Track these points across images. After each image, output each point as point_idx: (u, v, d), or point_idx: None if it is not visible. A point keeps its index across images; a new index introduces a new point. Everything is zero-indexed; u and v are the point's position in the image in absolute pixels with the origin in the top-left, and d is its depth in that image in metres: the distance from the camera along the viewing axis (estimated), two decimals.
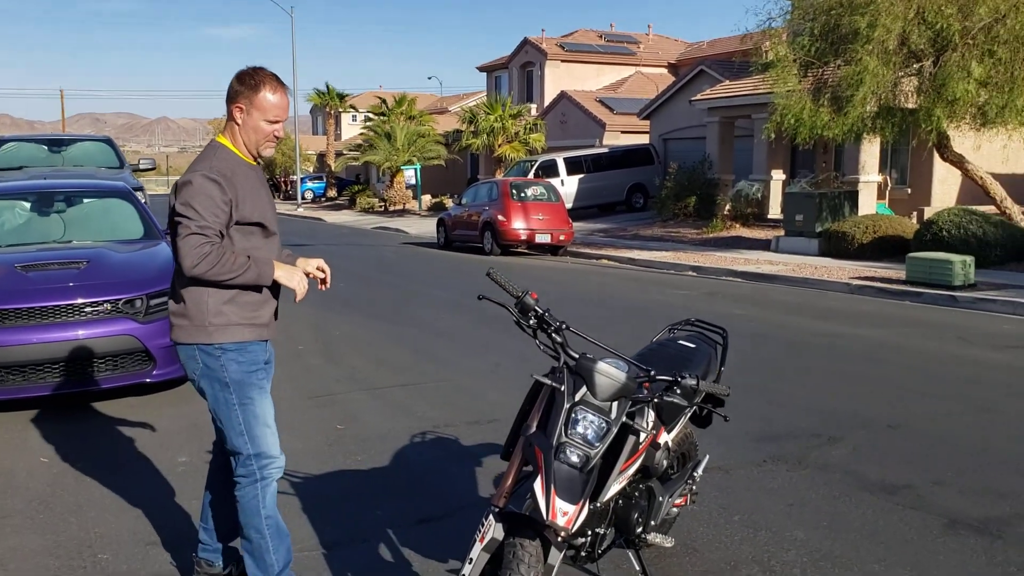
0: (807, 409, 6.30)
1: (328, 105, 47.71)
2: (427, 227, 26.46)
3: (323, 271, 3.59)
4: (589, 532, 3.16)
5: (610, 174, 28.37)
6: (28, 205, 7.79)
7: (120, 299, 6.38)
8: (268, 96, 3.30)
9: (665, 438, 3.51)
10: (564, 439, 2.88)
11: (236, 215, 3.26)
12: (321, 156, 54.14)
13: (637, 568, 3.52)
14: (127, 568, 3.87)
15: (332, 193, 47.58)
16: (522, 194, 19.22)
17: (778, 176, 22.97)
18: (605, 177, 28.30)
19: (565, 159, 28.00)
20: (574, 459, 2.86)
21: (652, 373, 3.04)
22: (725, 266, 15.74)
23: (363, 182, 44.91)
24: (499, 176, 27.55)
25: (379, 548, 4.04)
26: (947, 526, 4.25)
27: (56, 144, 13.19)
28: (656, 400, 3.07)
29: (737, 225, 21.60)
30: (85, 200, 8.13)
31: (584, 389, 2.96)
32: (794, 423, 5.96)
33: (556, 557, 2.90)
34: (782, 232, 18.21)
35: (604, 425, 2.91)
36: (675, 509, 3.95)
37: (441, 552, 3.92)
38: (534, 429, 2.98)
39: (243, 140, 3.34)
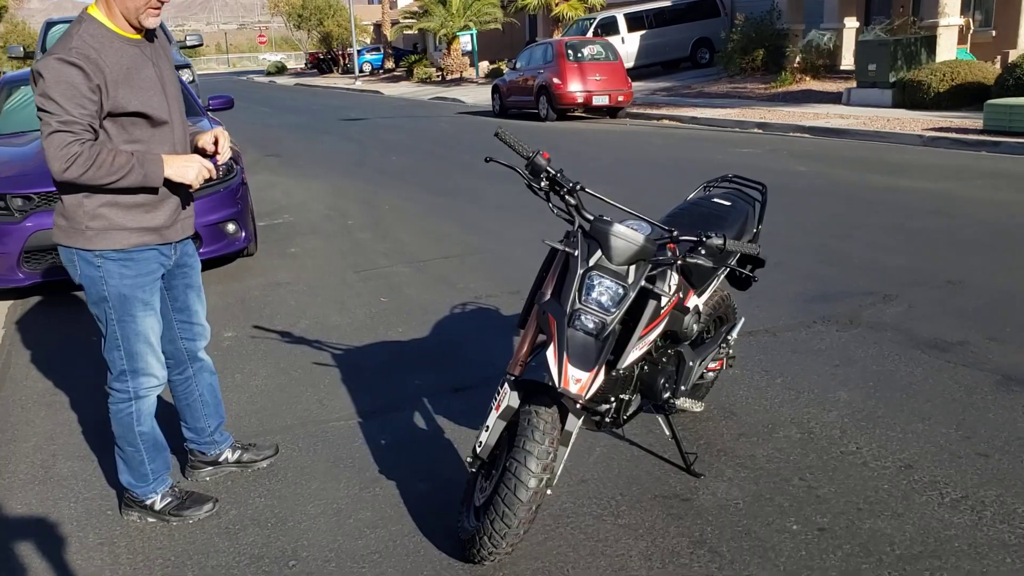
0: (863, 267, 6.06)
1: None
2: (484, 95, 25.91)
3: (215, 141, 3.14)
4: (612, 398, 3.08)
5: (673, 29, 27.18)
6: None
7: None
8: None
9: (695, 301, 3.38)
10: (578, 306, 2.77)
11: (107, 104, 2.78)
12: (378, 26, 53.10)
13: (667, 433, 3.46)
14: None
15: (390, 64, 46.84)
16: (578, 54, 18.58)
17: (851, 24, 21.68)
18: (668, 32, 27.14)
19: (625, 15, 26.87)
20: (589, 326, 2.76)
21: (675, 233, 2.87)
22: (792, 122, 15.11)
23: (421, 51, 44.05)
24: (556, 37, 26.66)
25: (413, 416, 4.06)
26: (999, 383, 4.07)
27: None
28: (680, 262, 2.92)
29: (807, 78, 20.60)
30: None
31: (599, 253, 2.82)
32: (848, 282, 5.75)
33: (574, 424, 2.84)
34: (854, 84, 17.33)
35: (620, 290, 2.79)
36: (710, 374, 3.86)
37: (474, 420, 3.92)
38: (548, 297, 2.87)
39: (119, 9, 2.83)
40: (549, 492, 2.77)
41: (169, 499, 3.28)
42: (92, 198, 2.88)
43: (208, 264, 6.82)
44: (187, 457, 3.59)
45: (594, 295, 2.78)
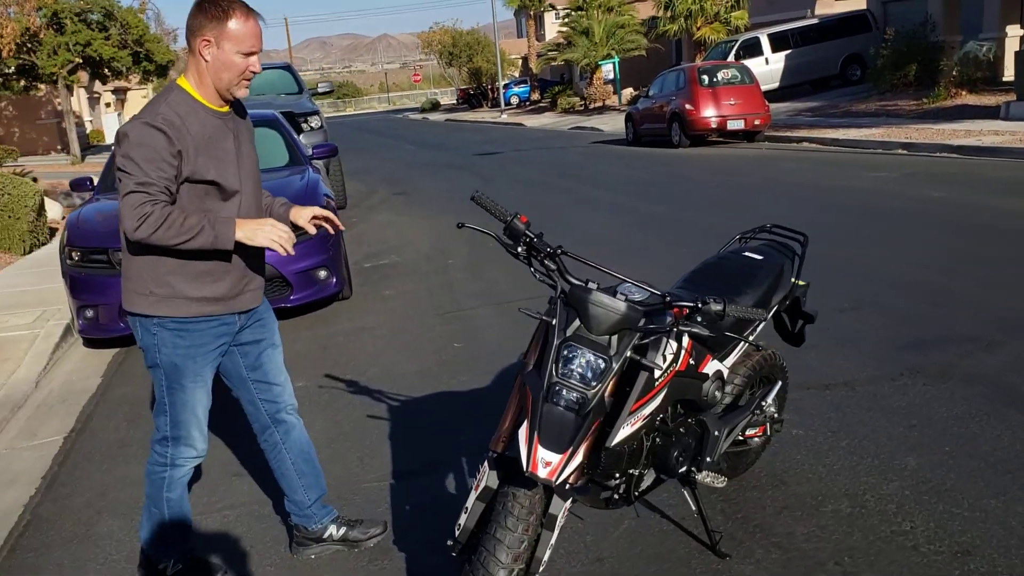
0: (970, 308, 5.50)
1: (529, 6, 47.13)
2: (623, 123, 25.73)
3: (320, 219, 3.15)
4: (618, 474, 2.88)
5: (821, 47, 26.12)
6: None
7: None
8: (240, 24, 2.83)
9: (716, 367, 3.12)
10: (556, 379, 2.59)
11: (186, 170, 2.82)
12: (525, 60, 53.90)
13: (693, 508, 3.20)
14: (206, 500, 4.01)
15: (536, 96, 47.38)
16: (712, 79, 18.14)
17: (1014, 32, 20.14)
18: (816, 51, 26.10)
19: (769, 35, 26.08)
20: (570, 401, 2.57)
21: (667, 299, 2.66)
22: (941, 140, 14.15)
23: (566, 82, 44.33)
24: (698, 61, 26.16)
25: (447, 478, 3.95)
26: None
27: None
28: (674, 330, 2.69)
29: (964, 92, 19.26)
30: None
31: (577, 322, 2.64)
32: (950, 326, 5.23)
33: (559, 507, 2.64)
34: (1014, 97, 16.05)
35: (601, 363, 2.59)
36: (755, 440, 3.55)
37: None
38: (531, 367, 2.71)
39: (212, 80, 2.89)
40: None
41: (180, 567, 3.25)
42: (161, 263, 2.89)
43: (300, 310, 7.00)
44: (291, 532, 3.47)
45: (573, 367, 2.60)
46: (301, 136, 11.91)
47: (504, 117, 39.92)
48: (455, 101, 65.59)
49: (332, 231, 3.29)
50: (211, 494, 4.03)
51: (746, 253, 3.49)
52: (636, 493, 2.98)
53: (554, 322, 2.67)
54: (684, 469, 3.05)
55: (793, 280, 3.55)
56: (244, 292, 3.04)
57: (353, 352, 5.94)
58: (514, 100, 48.25)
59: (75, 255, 6.40)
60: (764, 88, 24.78)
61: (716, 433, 3.13)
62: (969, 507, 3.26)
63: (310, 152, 8.55)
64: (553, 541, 2.63)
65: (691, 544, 3.23)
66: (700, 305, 2.59)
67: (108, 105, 49.14)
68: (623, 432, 2.69)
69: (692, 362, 2.97)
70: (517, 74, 57.15)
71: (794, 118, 20.86)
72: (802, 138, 17.33)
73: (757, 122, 17.79)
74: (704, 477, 3.15)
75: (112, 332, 6.38)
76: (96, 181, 7.69)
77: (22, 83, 25.68)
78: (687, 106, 17.88)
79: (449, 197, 13.42)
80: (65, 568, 3.48)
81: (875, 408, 4.22)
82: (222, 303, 2.99)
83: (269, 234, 2.83)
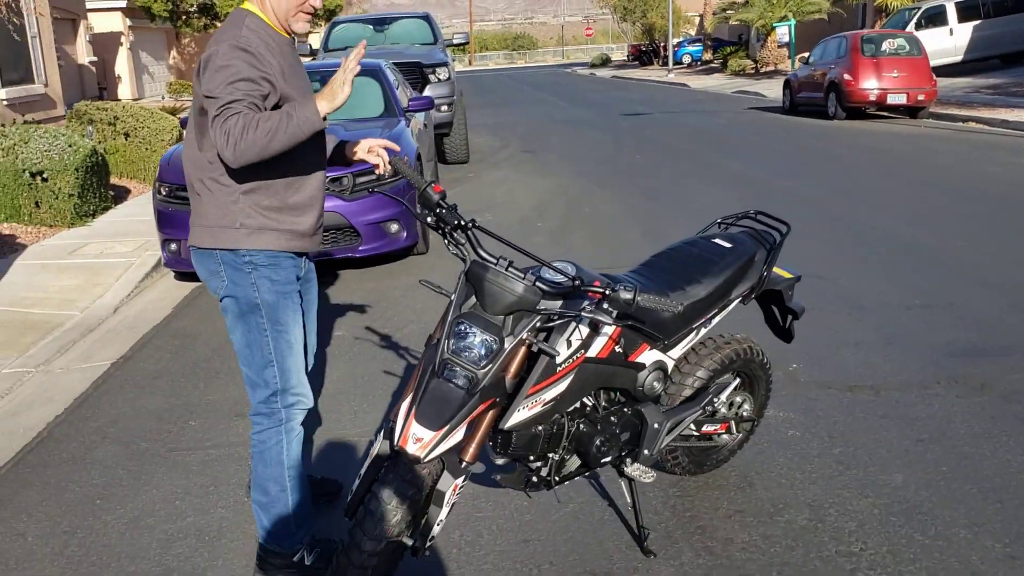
0: None
1: None
2: None
3: (375, 151, 3.05)
4: (531, 456, 2.81)
5: (1016, 17, 23.91)
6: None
7: (327, 176, 6.74)
8: None
9: (656, 357, 2.97)
10: (447, 355, 2.54)
11: (274, 96, 2.65)
12: (701, 18, 52.21)
13: (628, 500, 3.08)
14: (208, 436, 4.19)
15: (708, 56, 45.87)
16: (875, 48, 16.98)
17: None
18: (1011, 21, 23.88)
19: (956, 3, 24.05)
20: (459, 380, 2.52)
21: (576, 283, 2.54)
22: None
23: (742, 43, 42.64)
24: (878, 27, 24.54)
25: None
26: None
27: (379, 23, 14.14)
28: (580, 314, 2.57)
29: None
30: None
31: (474, 299, 2.57)
32: (1018, 334, 4.74)
33: (448, 483, 2.60)
34: None
35: (493, 343, 2.52)
36: (724, 437, 3.36)
37: None
38: (434, 342, 2.66)
39: (272, 8, 2.72)
40: (423, 556, 2.60)
41: (317, 551, 2.95)
42: (250, 195, 2.74)
43: (371, 261, 7.14)
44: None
45: (464, 344, 2.54)
46: (427, 88, 12.09)
47: (671, 76, 38.91)
48: (626, 58, 64.49)
49: (385, 162, 3.08)
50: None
51: (715, 240, 3.28)
52: (557, 478, 2.90)
53: (452, 297, 2.61)
54: (609, 459, 2.94)
55: (776, 271, 3.32)
56: (317, 233, 2.95)
57: (401, 308, 6.02)
58: (686, 59, 46.87)
59: (163, 191, 6.78)
60: (946, 61, 23.08)
61: (656, 426, 2.99)
62: (935, 535, 2.98)
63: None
64: (443, 517, 2.60)
65: (624, 537, 3.12)
66: (608, 292, 2.47)
67: None
68: (519, 415, 2.61)
69: (619, 350, 2.84)
70: (693, 32, 55.46)
71: (970, 95, 19.26)
72: (968, 117, 15.98)
73: (921, 97, 16.53)
74: (633, 471, 3.01)
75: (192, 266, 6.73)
76: None
77: (203, 21, 27.12)
78: (846, 76, 16.84)
79: (576, 157, 13.28)
80: (50, 486, 3.74)
81: (890, 416, 3.90)
82: (302, 239, 2.86)
83: (346, 89, 2.56)
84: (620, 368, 2.87)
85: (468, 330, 2.53)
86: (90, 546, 3.24)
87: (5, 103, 14.27)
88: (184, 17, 26.57)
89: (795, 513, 3.18)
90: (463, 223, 2.67)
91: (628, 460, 3.02)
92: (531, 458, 2.83)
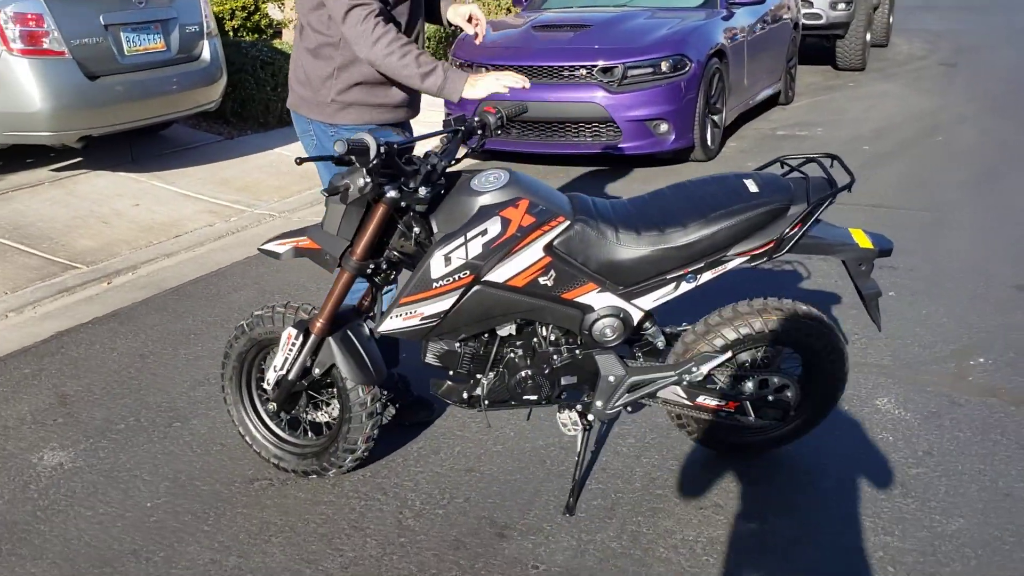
0: None
1: None
2: None
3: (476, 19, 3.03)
4: (452, 372, 2.68)
5: None
6: None
7: (595, 66, 6.50)
8: None
9: (612, 301, 2.58)
10: None
11: None
12: None
13: (578, 451, 2.75)
14: None
15: None
16: None
17: None
18: None
19: None
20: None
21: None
22: None
23: None
24: None
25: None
26: None
27: None
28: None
29: None
30: None
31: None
32: None
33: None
34: None
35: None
36: (745, 419, 2.79)
37: None
38: None
39: None
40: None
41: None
42: (345, 71, 2.88)
43: (634, 160, 6.83)
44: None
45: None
46: None
47: None
48: None
49: (482, 34, 3.10)
50: None
51: (747, 180, 2.64)
52: (487, 402, 2.69)
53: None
54: (536, 398, 2.67)
55: (855, 235, 2.62)
56: (409, 104, 3.04)
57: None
58: None
59: None
60: None
61: (611, 379, 2.65)
62: (831, 547, 2.24)
63: None
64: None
65: (564, 495, 2.78)
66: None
67: None
68: (391, 323, 2.60)
69: (546, 283, 2.50)
70: None
71: None
72: None
73: None
74: (560, 417, 2.70)
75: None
76: None
77: None
78: None
79: (993, 78, 11.19)
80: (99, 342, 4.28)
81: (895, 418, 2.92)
82: (400, 110, 3.01)
83: (490, 84, 2.78)
84: (550, 304, 2.54)
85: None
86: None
87: None
88: None
89: (702, 508, 2.57)
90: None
91: (578, 406, 2.71)
92: (451, 373, 2.71)
